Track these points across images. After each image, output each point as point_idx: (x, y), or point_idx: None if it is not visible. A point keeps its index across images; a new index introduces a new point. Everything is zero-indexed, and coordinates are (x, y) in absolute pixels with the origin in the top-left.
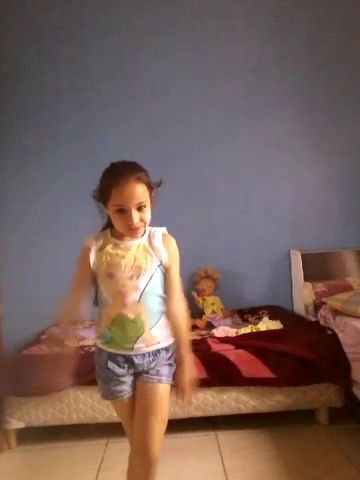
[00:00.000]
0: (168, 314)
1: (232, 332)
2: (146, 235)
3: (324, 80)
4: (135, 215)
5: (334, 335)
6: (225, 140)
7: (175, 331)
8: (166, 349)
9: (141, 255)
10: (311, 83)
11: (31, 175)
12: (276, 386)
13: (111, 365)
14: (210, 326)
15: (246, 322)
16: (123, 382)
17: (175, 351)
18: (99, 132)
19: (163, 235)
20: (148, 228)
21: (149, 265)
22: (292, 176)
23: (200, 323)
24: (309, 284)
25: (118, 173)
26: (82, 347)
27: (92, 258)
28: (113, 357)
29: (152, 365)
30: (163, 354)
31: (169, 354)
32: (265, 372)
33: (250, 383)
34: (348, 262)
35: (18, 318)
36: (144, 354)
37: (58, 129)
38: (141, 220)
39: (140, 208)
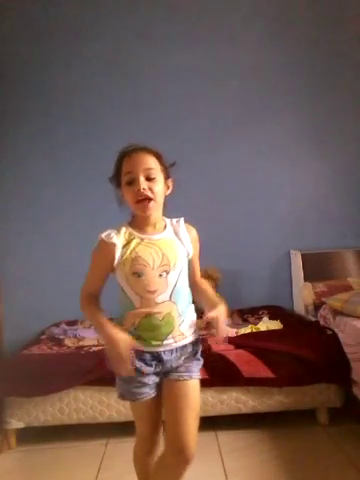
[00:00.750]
0: (193, 288)
1: (232, 332)
2: (169, 227)
3: (324, 80)
4: (143, 182)
5: (334, 335)
6: (225, 140)
7: (203, 290)
8: (192, 343)
9: (169, 249)
10: (311, 83)
11: (31, 175)
12: (276, 386)
13: (138, 364)
14: (210, 326)
15: (246, 322)
16: (145, 384)
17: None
18: (98, 133)
19: (185, 225)
20: (168, 220)
21: (179, 259)
22: (292, 176)
23: (200, 323)
24: (309, 284)
25: (129, 147)
26: (82, 347)
27: (117, 255)
28: (140, 355)
29: (180, 361)
30: (190, 348)
31: (196, 348)
32: (265, 372)
33: (250, 383)
34: (348, 262)
35: (18, 318)
36: (172, 350)
37: (57, 129)
38: (150, 189)
39: (149, 178)
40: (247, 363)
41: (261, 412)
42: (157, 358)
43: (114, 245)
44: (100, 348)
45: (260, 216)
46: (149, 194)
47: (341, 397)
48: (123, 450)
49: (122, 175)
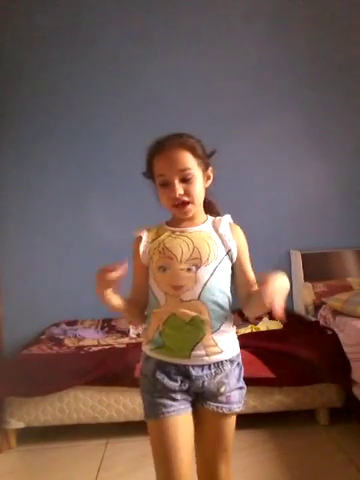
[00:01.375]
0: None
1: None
2: (209, 222)
3: (324, 80)
4: (178, 186)
5: (334, 335)
6: (225, 140)
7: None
8: (231, 361)
9: (203, 242)
10: (311, 83)
11: (31, 175)
12: (276, 386)
13: (160, 375)
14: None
15: (246, 322)
16: (172, 398)
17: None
18: (98, 132)
19: (230, 224)
20: (211, 217)
21: (213, 253)
22: (292, 176)
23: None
24: (309, 284)
25: (160, 141)
26: (82, 347)
27: (142, 248)
28: (162, 366)
29: (222, 390)
30: (228, 367)
31: (237, 370)
32: (265, 372)
33: (250, 383)
34: (348, 262)
35: (18, 318)
36: (203, 365)
37: (57, 129)
38: (187, 193)
39: (185, 179)
40: (247, 363)
41: (261, 412)
42: (184, 373)
43: (140, 238)
44: (100, 348)
45: (260, 216)
46: (186, 199)
47: (341, 397)
48: (123, 450)
49: (155, 174)
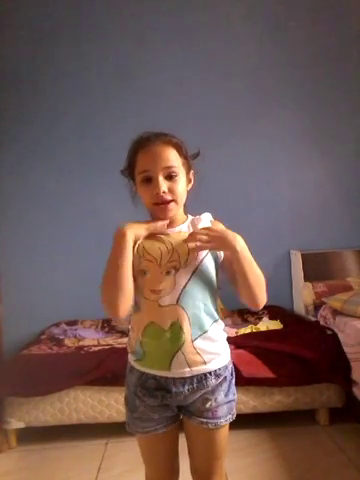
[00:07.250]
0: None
1: (232, 332)
2: (188, 221)
3: (324, 80)
4: (162, 182)
5: (334, 335)
6: (225, 140)
7: None
8: (217, 375)
9: (182, 243)
10: (311, 83)
11: (30, 176)
12: (276, 386)
13: (141, 392)
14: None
15: (246, 322)
16: (151, 418)
17: None
18: (98, 132)
19: (211, 221)
20: (190, 217)
21: (192, 254)
22: (292, 176)
23: None
24: (309, 284)
25: (145, 136)
26: (82, 347)
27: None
28: (144, 381)
29: (207, 405)
30: (212, 382)
31: (226, 384)
32: (265, 372)
33: (250, 383)
34: (348, 262)
35: (18, 318)
36: (185, 379)
37: (57, 129)
38: (171, 191)
39: (170, 177)
40: (247, 363)
41: (261, 412)
42: (164, 388)
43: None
44: (100, 348)
45: (260, 216)
46: (169, 198)
47: (341, 397)
48: (123, 450)
49: (136, 171)
